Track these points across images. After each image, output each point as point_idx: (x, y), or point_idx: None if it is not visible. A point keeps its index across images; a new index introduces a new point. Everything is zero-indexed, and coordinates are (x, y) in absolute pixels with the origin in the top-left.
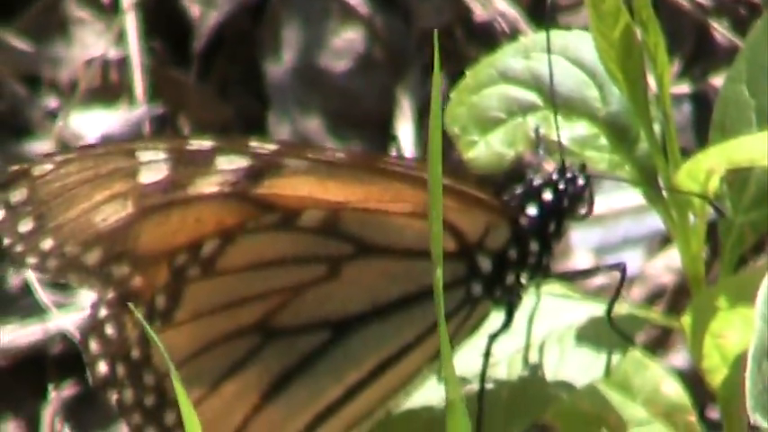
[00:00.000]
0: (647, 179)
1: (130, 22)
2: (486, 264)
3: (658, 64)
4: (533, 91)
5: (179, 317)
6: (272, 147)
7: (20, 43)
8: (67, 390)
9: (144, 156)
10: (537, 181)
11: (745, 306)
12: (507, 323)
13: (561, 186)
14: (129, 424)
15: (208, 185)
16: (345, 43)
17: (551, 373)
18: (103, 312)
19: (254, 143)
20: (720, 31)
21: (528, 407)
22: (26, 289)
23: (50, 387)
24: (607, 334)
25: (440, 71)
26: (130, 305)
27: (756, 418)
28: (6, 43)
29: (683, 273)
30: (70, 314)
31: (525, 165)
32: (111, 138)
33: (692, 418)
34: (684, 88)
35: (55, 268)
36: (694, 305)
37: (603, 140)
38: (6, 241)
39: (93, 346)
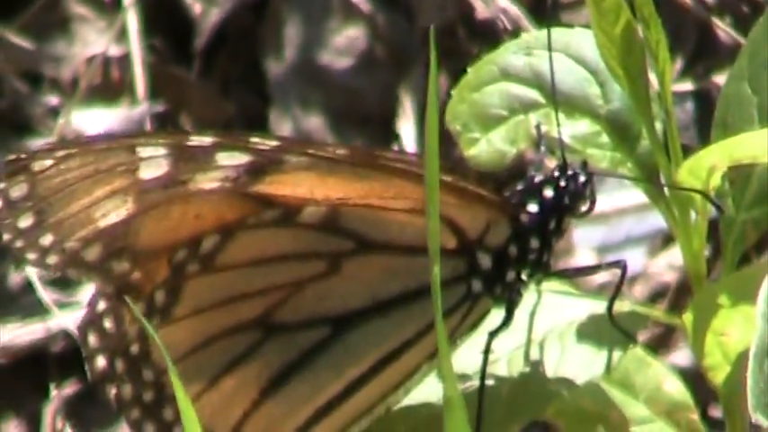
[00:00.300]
0: (649, 177)
1: (132, 19)
2: (486, 260)
3: (660, 61)
4: (535, 88)
5: (178, 312)
6: (272, 143)
7: (21, 41)
8: (69, 388)
9: (144, 151)
10: (538, 178)
11: (747, 304)
12: (507, 320)
13: (562, 184)
14: (128, 419)
15: (208, 181)
16: (347, 41)
17: (552, 370)
18: (102, 306)
19: (254, 139)
20: (723, 28)
21: (528, 404)
22: (27, 287)
23: (52, 385)
24: (608, 331)
25: (437, 68)
26: (129, 301)
27: (758, 417)
28: (7, 41)
29: (685, 271)
30: (71, 312)
31: (527, 162)
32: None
33: (695, 416)
34: (687, 86)
35: (55, 264)
36: (696, 303)
37: (605, 138)
38: (6, 237)
39: (92, 340)
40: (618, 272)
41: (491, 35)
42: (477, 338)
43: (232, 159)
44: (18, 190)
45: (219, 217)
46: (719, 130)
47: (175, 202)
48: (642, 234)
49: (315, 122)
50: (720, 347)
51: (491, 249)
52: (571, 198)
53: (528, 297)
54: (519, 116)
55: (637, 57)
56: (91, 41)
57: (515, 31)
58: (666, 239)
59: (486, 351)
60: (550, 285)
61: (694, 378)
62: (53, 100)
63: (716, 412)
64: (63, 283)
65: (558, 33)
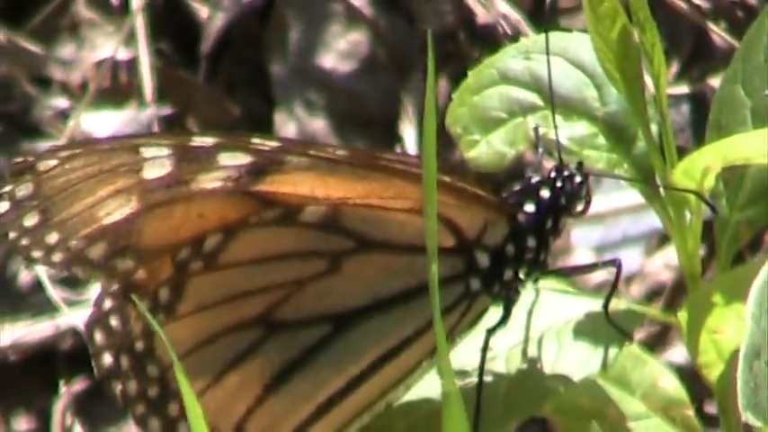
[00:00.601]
0: (645, 177)
1: (139, 23)
2: (484, 259)
3: (655, 64)
4: (533, 91)
5: (182, 310)
6: (274, 143)
7: (31, 45)
8: (78, 385)
9: (148, 152)
10: (535, 179)
11: (741, 303)
12: (505, 318)
13: (558, 184)
14: (134, 415)
15: (210, 181)
16: (350, 45)
17: (549, 367)
18: (108, 305)
19: (256, 140)
20: (718, 32)
21: (526, 400)
22: (37, 286)
23: (61, 382)
24: (605, 329)
25: (436, 71)
26: (134, 297)
27: (748, 417)
28: (18, 45)
29: (680, 270)
30: (80, 311)
31: (526, 163)
32: (120, 137)
33: (690, 412)
34: (683, 89)
35: (60, 262)
36: (691, 302)
37: (602, 140)
38: (12, 235)
39: (98, 337)
40: (614, 270)
41: (491, 39)
42: (476, 336)
43: (234, 160)
44: (24, 189)
45: (222, 216)
46: (714, 132)
47: (178, 201)
48: (638, 234)
49: (319, 125)
50: (714, 345)
51: (489, 248)
52: (567, 198)
53: (525, 295)
54: (518, 119)
55: (633, 60)
56: (99, 46)
57: (515, 36)
58: (662, 239)
59: (485, 348)
60: (548, 284)
61: (689, 375)
62: (63, 103)
63: (711, 408)
64: (72, 282)
65: (556, 38)
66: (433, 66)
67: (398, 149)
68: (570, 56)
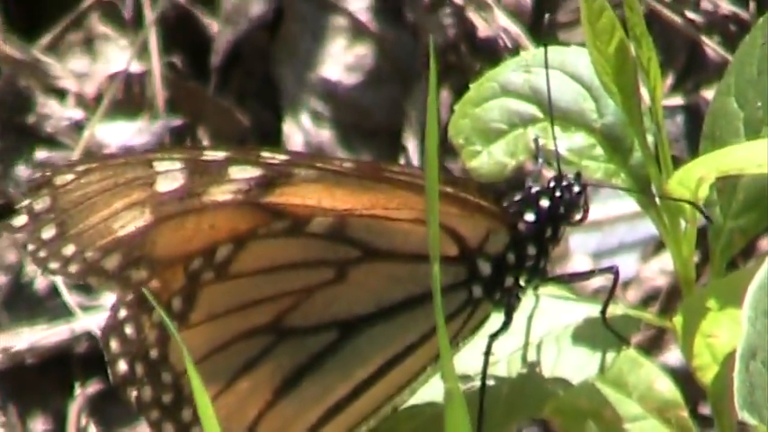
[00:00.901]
0: (641, 187)
1: (152, 37)
2: (486, 267)
3: (651, 77)
4: (533, 103)
5: (194, 318)
6: (282, 157)
7: (47, 58)
8: (92, 387)
9: (161, 165)
10: (534, 189)
11: (734, 307)
12: (507, 323)
13: (557, 194)
14: (148, 420)
15: (221, 193)
16: (356, 59)
17: (549, 370)
18: (123, 313)
19: (265, 153)
20: (711, 46)
21: (526, 403)
22: (53, 292)
23: (76, 384)
24: (602, 334)
25: (438, 82)
26: (154, 303)
27: (744, 416)
28: (34, 58)
29: (675, 276)
30: (95, 316)
31: (525, 173)
32: (134, 148)
33: (685, 413)
34: (678, 101)
35: (76, 272)
36: (685, 306)
37: (599, 150)
38: (30, 247)
39: (114, 345)
40: (611, 277)
41: (492, 53)
42: (479, 341)
43: (244, 173)
44: (41, 203)
45: (232, 227)
46: (708, 142)
47: (190, 213)
48: (635, 241)
49: (325, 135)
50: (709, 349)
51: (491, 256)
52: (566, 207)
53: (526, 301)
54: (518, 130)
55: (629, 73)
56: (113, 59)
57: (515, 50)
58: (658, 246)
59: (487, 353)
60: (547, 290)
61: (684, 378)
62: (77, 114)
63: (705, 410)
64: (87, 288)
65: (554, 52)
66: (434, 78)
67: (403, 159)
68: (569, 69)
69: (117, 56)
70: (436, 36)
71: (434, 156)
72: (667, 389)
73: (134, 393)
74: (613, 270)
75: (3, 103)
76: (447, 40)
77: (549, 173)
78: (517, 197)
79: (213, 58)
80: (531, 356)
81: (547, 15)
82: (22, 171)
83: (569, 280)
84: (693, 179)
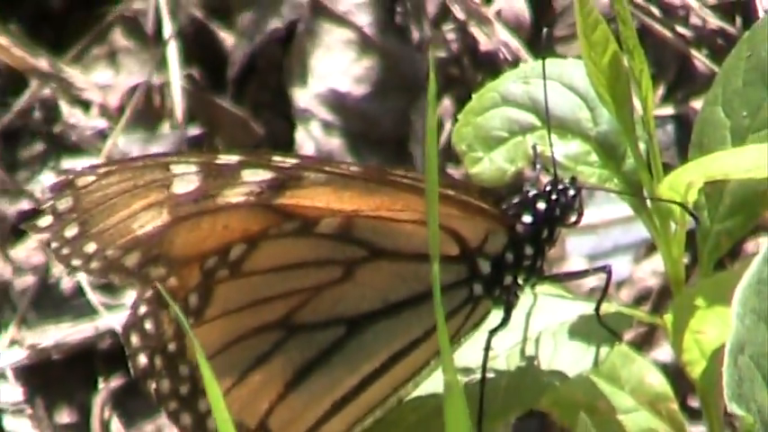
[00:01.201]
0: (634, 191)
1: (171, 51)
2: (486, 266)
3: (643, 88)
4: (531, 113)
5: (209, 314)
6: (293, 161)
7: (73, 71)
8: (115, 381)
9: (177, 169)
10: (532, 192)
11: (721, 305)
12: (505, 320)
13: (553, 197)
14: (167, 410)
15: (235, 196)
16: (364, 71)
17: (546, 364)
18: (143, 310)
19: (276, 157)
20: (700, 59)
21: (524, 395)
22: (78, 292)
23: (100, 379)
24: (597, 330)
25: (438, 92)
26: (170, 301)
27: (733, 407)
28: (60, 71)
29: (666, 276)
30: (117, 314)
31: (524, 178)
32: (152, 155)
33: (674, 406)
34: (668, 110)
35: (98, 269)
36: (676, 305)
37: (594, 157)
38: (54, 245)
39: (134, 340)
40: (605, 276)
41: (493, 65)
42: (479, 337)
43: (256, 176)
44: (64, 203)
45: (245, 228)
46: (696, 149)
47: (205, 214)
48: (628, 243)
49: (335, 144)
50: (697, 345)
51: (490, 256)
52: (562, 210)
53: (524, 299)
54: (517, 138)
55: (623, 84)
56: (134, 72)
57: (514, 62)
58: (649, 248)
59: (487, 348)
60: (544, 289)
61: (674, 372)
62: (101, 124)
63: (694, 402)
64: (110, 288)
65: (552, 64)
66: (433, 88)
67: (407, 166)
68: (565, 80)
69: (138, 68)
70: (440, 50)
71: (434, 160)
72: (658, 382)
73: (153, 385)
74: (606, 270)
75: (30, 113)
76: (450, 54)
77: (545, 178)
78: (515, 200)
79: (229, 70)
80: (529, 351)
81: (545, 30)
82: (48, 178)
83: (565, 279)
84: (683, 184)
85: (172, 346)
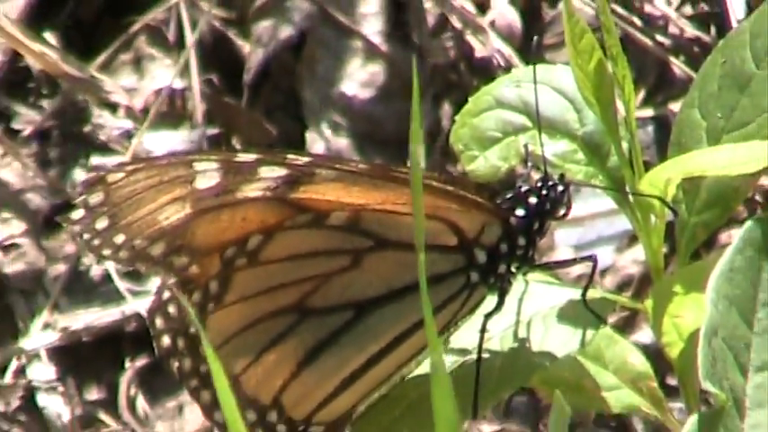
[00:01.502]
0: (617, 187)
1: (192, 57)
2: (481, 256)
3: (625, 92)
4: (523, 114)
5: (228, 299)
6: (305, 159)
7: (101, 76)
8: (140, 361)
9: (199, 166)
10: (524, 188)
11: (697, 292)
12: (500, 305)
13: (544, 192)
14: (188, 388)
15: (252, 190)
16: (369, 76)
17: (536, 345)
18: (167, 295)
19: (290, 155)
20: (678, 65)
21: (517, 374)
22: (106, 279)
23: (126, 359)
24: (583, 314)
25: (419, 91)
26: (181, 293)
27: (707, 386)
28: (90, 76)
29: (646, 264)
30: (142, 299)
31: (517, 175)
32: (176, 154)
33: (654, 384)
34: (649, 112)
35: (126, 258)
36: (655, 291)
37: (581, 155)
38: (86, 236)
39: (159, 322)
40: (590, 265)
41: (487, 71)
42: (475, 320)
43: (272, 172)
44: (95, 198)
45: (262, 220)
46: (675, 148)
47: (225, 207)
48: (612, 234)
49: (343, 143)
50: (675, 328)
51: (486, 246)
52: (551, 204)
53: (517, 286)
54: (510, 137)
55: (607, 88)
56: (158, 76)
57: (507, 68)
58: (631, 239)
59: (482, 330)
60: (535, 276)
61: (654, 353)
62: (127, 124)
63: (672, 381)
64: (136, 275)
65: (542, 69)
66: (417, 88)
67: (409, 164)
68: (554, 85)
69: (162, 73)
70: (439, 57)
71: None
72: (639, 363)
73: (176, 364)
74: (592, 259)
75: (62, 114)
76: (448, 60)
77: (536, 174)
78: (509, 195)
79: (245, 75)
80: (521, 333)
81: (535, 38)
82: (78, 174)
83: (554, 267)
84: (662, 180)
85: (193, 329)
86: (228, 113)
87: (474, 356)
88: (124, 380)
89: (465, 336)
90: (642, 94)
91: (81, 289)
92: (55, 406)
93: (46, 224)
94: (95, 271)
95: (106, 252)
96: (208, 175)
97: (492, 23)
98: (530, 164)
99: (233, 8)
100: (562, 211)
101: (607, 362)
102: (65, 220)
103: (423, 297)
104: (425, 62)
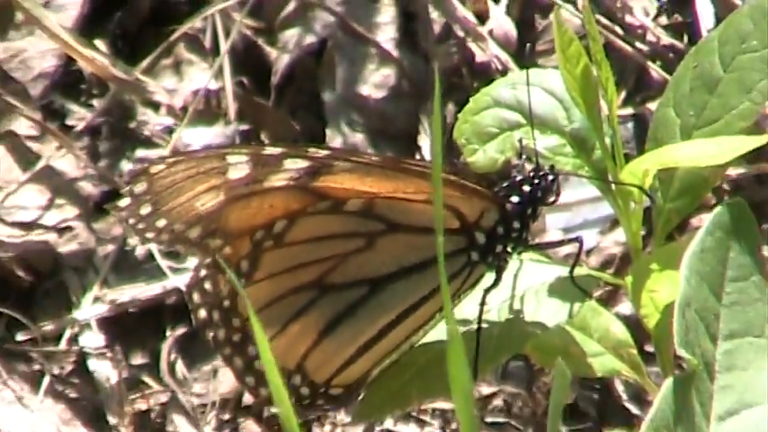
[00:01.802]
0: (601, 177)
1: (225, 62)
2: (481, 238)
3: (608, 93)
4: (518, 113)
5: (257, 276)
6: (325, 152)
7: (145, 78)
8: (179, 330)
9: (232, 159)
10: (518, 177)
11: (672, 269)
12: (497, 281)
13: (536, 182)
14: (222, 355)
15: (278, 180)
16: (382, 78)
17: (529, 317)
18: (203, 273)
19: (312, 149)
20: (655, 69)
21: (512, 341)
22: (149, 257)
23: (167, 329)
24: (571, 289)
25: (440, 95)
26: (218, 272)
27: (681, 352)
28: (136, 78)
29: (627, 245)
30: (182, 276)
31: (512, 166)
32: (210, 148)
33: (634, 351)
34: (629, 111)
35: (167, 241)
36: (635, 269)
37: (569, 149)
38: (131, 221)
39: (196, 297)
40: (577, 245)
41: (486, 74)
42: (475, 295)
43: (295, 164)
44: (140, 187)
45: (286, 207)
46: (652, 143)
47: (254, 195)
48: (596, 219)
49: (358, 138)
50: (653, 301)
51: (485, 229)
52: (543, 192)
53: (512, 264)
54: (506, 133)
55: (592, 90)
56: (196, 78)
57: (504, 72)
58: (614, 222)
59: (482, 303)
60: (529, 255)
61: (633, 323)
62: (168, 121)
63: (649, 348)
64: (175, 255)
65: (534, 73)
66: (438, 92)
67: (417, 156)
68: (545, 86)
69: (199, 76)
70: (443, 61)
71: (439, 150)
72: (620, 332)
73: (211, 334)
74: (579, 240)
75: (111, 112)
76: (452, 65)
77: (529, 165)
78: (505, 184)
79: (272, 78)
80: (516, 306)
81: (528, 45)
82: (124, 165)
83: (545, 248)
84: (641, 171)
85: (226, 303)
86: (257, 112)
87: (474, 326)
88: (165, 347)
89: (467, 308)
90: (623, 94)
91: (127, 267)
92: (104, 370)
93: (96, 209)
94: (140, 251)
95: (149, 235)
96: (239, 166)
97: (490, 32)
98: (523, 156)
99: (262, 18)
100: (552, 198)
101: (592, 331)
102: (113, 208)
103: (441, 273)
104: (431, 66)
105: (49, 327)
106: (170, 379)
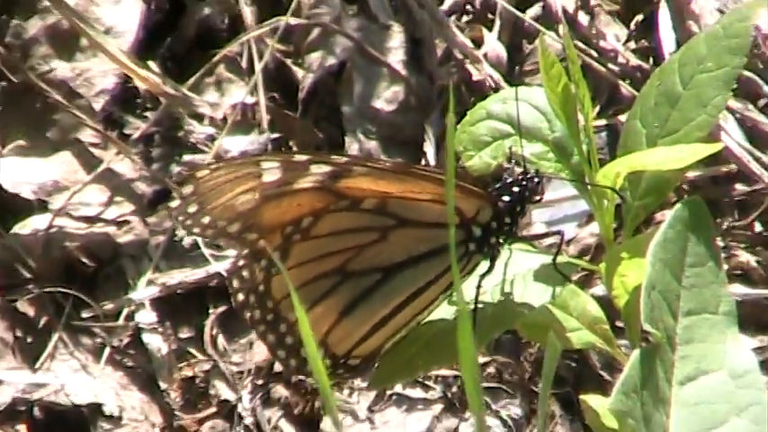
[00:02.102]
0: (579, 178)
1: (259, 80)
2: (477, 231)
3: (585, 107)
4: (508, 124)
5: (287, 265)
6: (345, 158)
7: (191, 94)
8: (220, 309)
9: (265, 164)
10: (509, 179)
11: (639, 257)
12: (491, 268)
13: (524, 183)
14: (257, 332)
15: (305, 183)
16: (392, 94)
17: (518, 298)
18: (241, 262)
19: (333, 156)
20: (625, 87)
21: (504, 319)
22: (195, 247)
23: (210, 307)
24: (553, 274)
25: (454, 111)
26: (271, 254)
27: (647, 327)
28: (183, 94)
29: (601, 237)
30: (223, 263)
31: (503, 170)
32: (247, 154)
33: (607, 326)
34: (603, 122)
35: (211, 235)
36: (607, 257)
37: (551, 155)
38: (181, 218)
39: (235, 283)
40: (559, 237)
41: (481, 91)
42: (472, 279)
43: (320, 169)
44: (188, 189)
45: (312, 205)
46: (622, 150)
47: (285, 196)
48: (575, 214)
49: (372, 145)
50: (623, 284)
51: (481, 224)
52: (529, 192)
53: (504, 253)
54: (498, 141)
55: (571, 104)
56: (234, 94)
57: (496, 89)
58: (590, 217)
59: (478, 287)
60: (517, 246)
61: (607, 303)
62: (210, 130)
63: (620, 324)
64: (217, 245)
65: (522, 90)
66: (453, 108)
67: (423, 161)
68: (532, 102)
69: (237, 92)
70: (445, 79)
71: (452, 157)
72: (595, 310)
73: (248, 314)
74: (560, 232)
75: (162, 123)
76: (452, 83)
77: (518, 169)
78: (498, 185)
79: (299, 94)
80: (507, 289)
81: (517, 66)
82: (174, 168)
83: (531, 239)
84: (613, 174)
85: (261, 288)
86: (287, 122)
87: (471, 306)
88: (208, 323)
89: (465, 291)
90: (597, 108)
91: (176, 255)
92: (156, 342)
93: (149, 205)
94: (187, 241)
95: (196, 230)
96: (272, 171)
97: (485, 55)
98: (513, 161)
99: (290, 43)
100: (537, 197)
101: (571, 310)
102: (165, 207)
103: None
104: (434, 84)
105: (109, 306)
106: (212, 350)
